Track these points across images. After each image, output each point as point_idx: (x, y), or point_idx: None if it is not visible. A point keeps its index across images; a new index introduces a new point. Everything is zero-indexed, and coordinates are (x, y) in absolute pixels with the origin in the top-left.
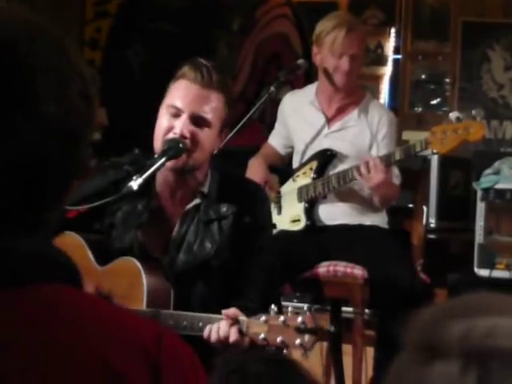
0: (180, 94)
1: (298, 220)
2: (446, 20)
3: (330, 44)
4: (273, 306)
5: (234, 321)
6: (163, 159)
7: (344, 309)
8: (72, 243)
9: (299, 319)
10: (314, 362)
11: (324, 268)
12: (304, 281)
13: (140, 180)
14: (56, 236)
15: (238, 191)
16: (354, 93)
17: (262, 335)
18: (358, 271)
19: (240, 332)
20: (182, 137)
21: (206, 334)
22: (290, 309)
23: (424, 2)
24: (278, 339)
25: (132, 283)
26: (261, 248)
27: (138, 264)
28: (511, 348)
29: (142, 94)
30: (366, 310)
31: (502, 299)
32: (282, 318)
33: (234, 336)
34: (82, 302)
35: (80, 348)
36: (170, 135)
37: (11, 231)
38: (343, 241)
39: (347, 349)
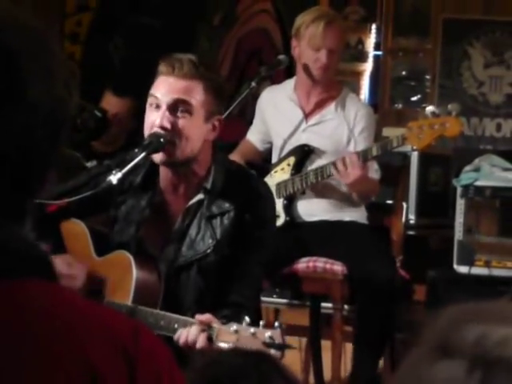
0: (158, 87)
1: (277, 216)
2: (426, 17)
3: (309, 37)
4: (246, 317)
5: (206, 327)
6: (143, 154)
7: (323, 304)
8: (75, 230)
9: (268, 333)
10: (292, 357)
11: (304, 264)
12: (283, 277)
13: (119, 174)
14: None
15: (240, 186)
16: (331, 87)
17: (231, 344)
18: (338, 267)
19: (209, 339)
20: (163, 128)
21: (176, 336)
22: (261, 322)
23: None
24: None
25: (122, 276)
26: (261, 244)
27: (131, 257)
28: None
29: (123, 87)
30: (345, 306)
31: None
32: (251, 329)
33: (201, 342)
34: (62, 298)
35: (59, 343)
36: (154, 129)
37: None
38: (322, 237)
39: (326, 344)
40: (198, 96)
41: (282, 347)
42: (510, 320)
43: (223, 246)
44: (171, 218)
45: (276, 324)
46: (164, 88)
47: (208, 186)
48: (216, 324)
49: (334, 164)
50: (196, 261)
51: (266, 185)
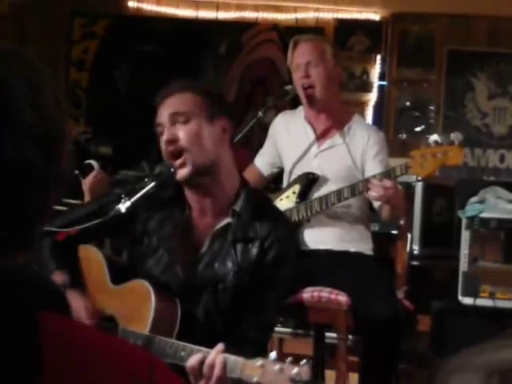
0: (158, 114)
1: None
2: (431, 48)
3: (289, 63)
4: (272, 353)
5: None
6: (152, 183)
7: (327, 334)
8: (91, 257)
9: (295, 370)
10: None
11: (308, 293)
12: (288, 306)
13: (128, 203)
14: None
15: (269, 219)
16: (340, 114)
17: (256, 378)
18: (342, 297)
19: (231, 371)
20: (170, 141)
21: (191, 360)
22: (289, 358)
23: (410, 29)
24: None
25: (140, 304)
26: (280, 281)
27: (150, 287)
28: None
29: (128, 114)
30: (350, 336)
31: None
32: (278, 365)
33: (219, 368)
34: (77, 332)
35: (72, 377)
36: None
37: (3, 247)
38: (327, 266)
39: (330, 375)
40: (191, 102)
41: (310, 383)
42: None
43: (245, 273)
44: (198, 237)
45: (304, 360)
46: (163, 111)
47: (237, 208)
48: (240, 358)
49: (364, 183)
50: (213, 284)
51: (290, 222)
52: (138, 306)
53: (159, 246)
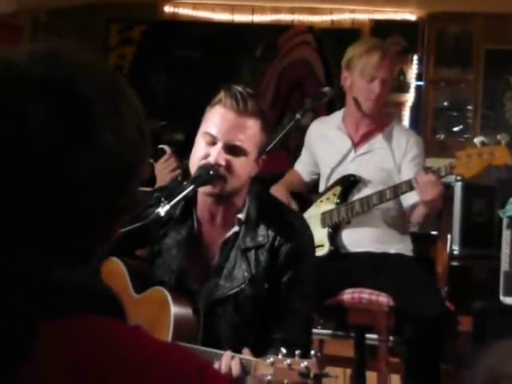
0: (216, 121)
1: (322, 245)
2: (468, 47)
3: (362, 68)
4: (282, 348)
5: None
6: (192, 186)
7: (368, 336)
8: (113, 270)
9: (304, 364)
10: None
11: (349, 295)
12: (328, 307)
13: (167, 206)
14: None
15: (275, 220)
16: (380, 118)
17: (269, 377)
18: (383, 299)
19: (246, 373)
20: (217, 165)
21: None
22: (297, 352)
23: (447, 29)
24: (284, 381)
25: (160, 313)
26: (301, 278)
27: (168, 294)
28: None
29: (166, 120)
30: (391, 337)
31: None
32: (288, 361)
33: (236, 370)
34: (127, 335)
35: (118, 380)
36: (203, 161)
37: (61, 261)
38: (368, 268)
39: (372, 376)
40: (254, 138)
41: (319, 377)
42: None
43: (261, 280)
44: (208, 249)
45: (312, 353)
46: (223, 125)
47: (242, 217)
48: (252, 357)
49: (407, 182)
50: (232, 295)
51: (302, 219)
52: (158, 314)
53: (171, 264)
